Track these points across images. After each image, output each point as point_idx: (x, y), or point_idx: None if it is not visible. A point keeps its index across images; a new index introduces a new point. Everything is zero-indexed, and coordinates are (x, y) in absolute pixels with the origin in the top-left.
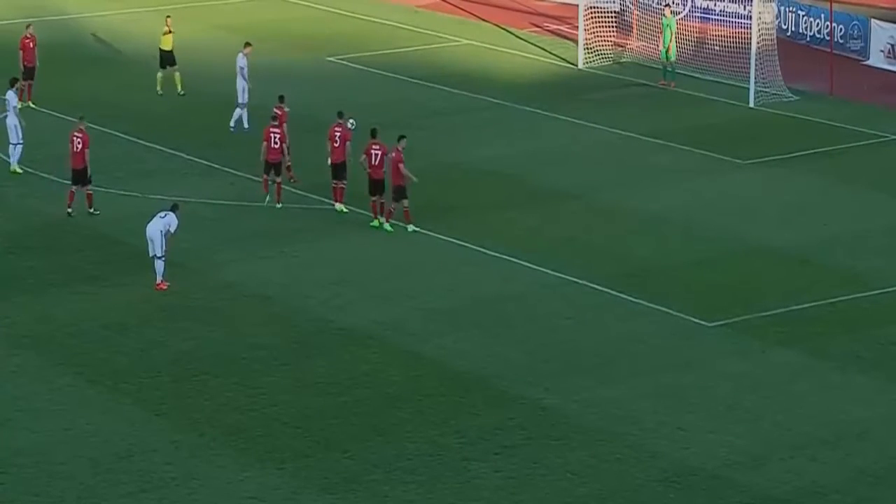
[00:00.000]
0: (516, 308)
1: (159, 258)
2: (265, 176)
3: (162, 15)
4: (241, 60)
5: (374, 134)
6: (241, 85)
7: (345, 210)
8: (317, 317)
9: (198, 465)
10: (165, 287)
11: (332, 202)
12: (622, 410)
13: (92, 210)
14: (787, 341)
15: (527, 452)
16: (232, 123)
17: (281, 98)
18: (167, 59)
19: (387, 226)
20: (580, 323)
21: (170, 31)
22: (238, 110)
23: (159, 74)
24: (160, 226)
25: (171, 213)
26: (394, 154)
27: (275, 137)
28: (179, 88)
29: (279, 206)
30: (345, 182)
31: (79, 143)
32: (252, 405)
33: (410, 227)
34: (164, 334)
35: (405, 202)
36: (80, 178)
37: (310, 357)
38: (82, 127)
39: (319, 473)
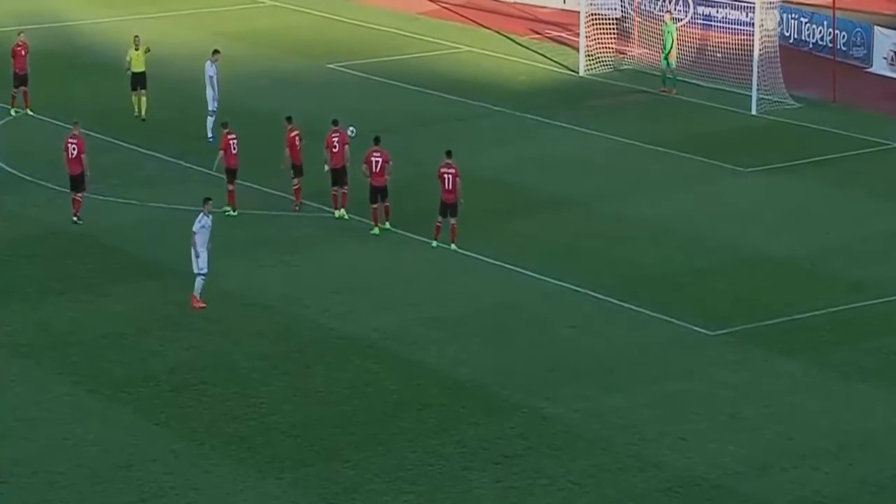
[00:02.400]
0: (517, 316)
1: (199, 275)
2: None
3: (164, 21)
4: (210, 69)
5: (376, 141)
6: (210, 93)
7: (346, 217)
8: (317, 325)
9: (197, 474)
10: (198, 306)
11: (332, 210)
12: (624, 419)
13: (76, 219)
14: (789, 350)
15: (528, 462)
16: (209, 133)
17: (289, 119)
18: (138, 81)
19: (453, 246)
20: (581, 331)
21: (137, 49)
22: (210, 119)
23: (133, 97)
24: (199, 247)
25: (199, 215)
26: (454, 171)
27: (234, 144)
28: (143, 113)
29: (235, 213)
30: (346, 188)
31: (74, 148)
32: (251, 414)
33: (453, 246)
34: (163, 343)
35: (452, 220)
36: (79, 183)
37: (310, 366)
38: (77, 132)
39: (319, 483)
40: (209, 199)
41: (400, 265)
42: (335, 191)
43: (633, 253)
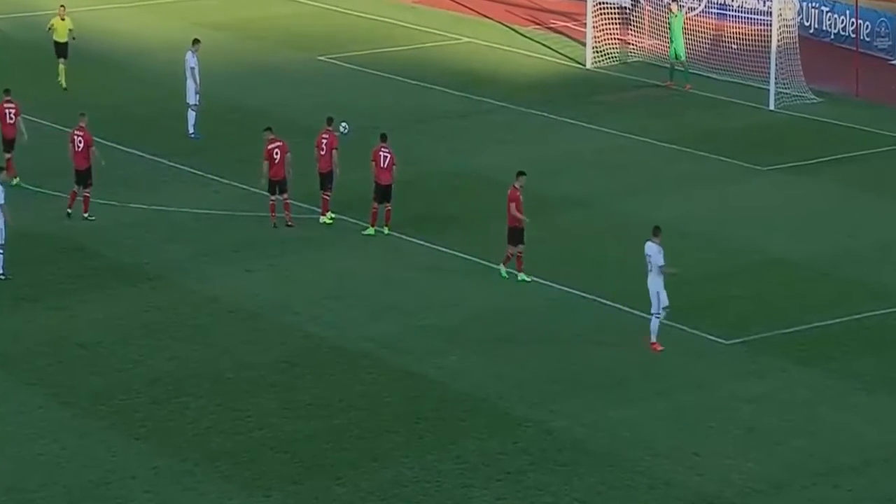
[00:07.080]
0: (520, 324)
1: (656, 315)
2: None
3: (145, 11)
4: (192, 60)
5: (383, 138)
6: (191, 86)
7: (328, 222)
8: (307, 334)
9: (179, 492)
10: (660, 349)
11: (322, 213)
12: (633, 434)
13: (87, 215)
14: (809, 360)
15: (531, 479)
16: (190, 129)
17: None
18: (60, 50)
19: (523, 276)
20: (588, 340)
21: (63, 19)
22: (192, 113)
23: (60, 66)
24: (656, 285)
25: (653, 244)
26: (510, 192)
27: (10, 114)
28: (62, 81)
29: (16, 182)
30: (329, 193)
31: (80, 141)
32: (238, 428)
33: (521, 276)
34: (144, 353)
35: (520, 247)
36: (84, 178)
37: (300, 377)
38: (83, 124)
39: (310, 501)
40: (658, 227)
41: (396, 270)
42: (324, 194)
43: (643, 257)
